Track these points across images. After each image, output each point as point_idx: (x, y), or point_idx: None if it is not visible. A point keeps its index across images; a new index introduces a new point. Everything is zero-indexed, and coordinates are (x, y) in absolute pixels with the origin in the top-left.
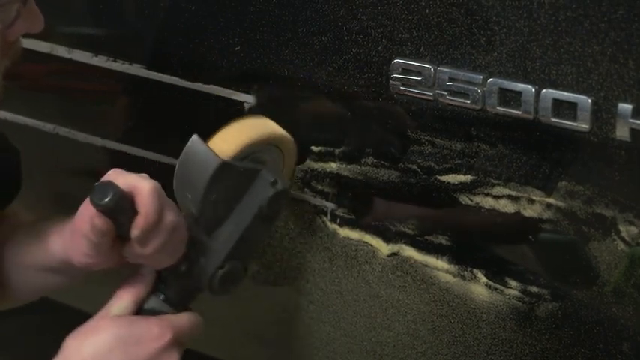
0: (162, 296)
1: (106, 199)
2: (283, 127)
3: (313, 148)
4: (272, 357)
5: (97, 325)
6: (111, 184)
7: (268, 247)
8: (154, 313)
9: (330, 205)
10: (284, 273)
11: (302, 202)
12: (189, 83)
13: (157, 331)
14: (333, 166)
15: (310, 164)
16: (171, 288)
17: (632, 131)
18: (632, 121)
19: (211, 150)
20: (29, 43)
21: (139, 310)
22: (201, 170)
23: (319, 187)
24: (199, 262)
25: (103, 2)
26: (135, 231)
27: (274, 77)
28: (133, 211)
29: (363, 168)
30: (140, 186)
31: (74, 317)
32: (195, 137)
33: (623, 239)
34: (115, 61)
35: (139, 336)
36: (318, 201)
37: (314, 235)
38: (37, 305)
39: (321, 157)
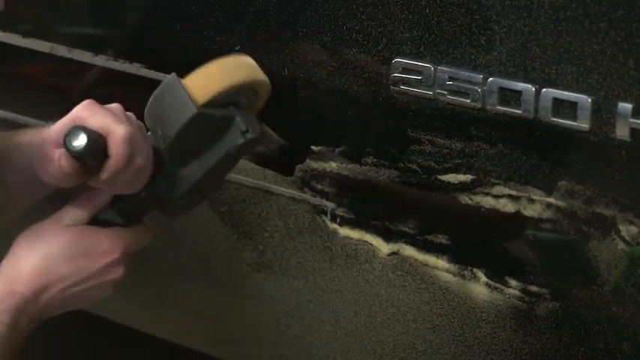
0: (117, 209)
1: (79, 147)
2: (285, 128)
3: (313, 147)
4: (272, 356)
5: (49, 231)
6: (85, 130)
7: (268, 246)
8: (107, 224)
9: (330, 205)
10: (284, 272)
11: (302, 201)
12: None
13: (106, 246)
14: (333, 166)
15: (310, 163)
16: (128, 205)
17: (632, 131)
18: (632, 120)
19: (188, 95)
20: (30, 43)
21: (93, 219)
22: (175, 113)
23: (319, 187)
24: (161, 189)
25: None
26: (104, 174)
27: (274, 77)
28: (104, 154)
29: (363, 167)
30: (114, 130)
31: (73, 317)
32: (174, 76)
33: (623, 239)
34: (116, 60)
35: (88, 249)
36: (318, 200)
37: (314, 235)
38: None
39: (321, 157)
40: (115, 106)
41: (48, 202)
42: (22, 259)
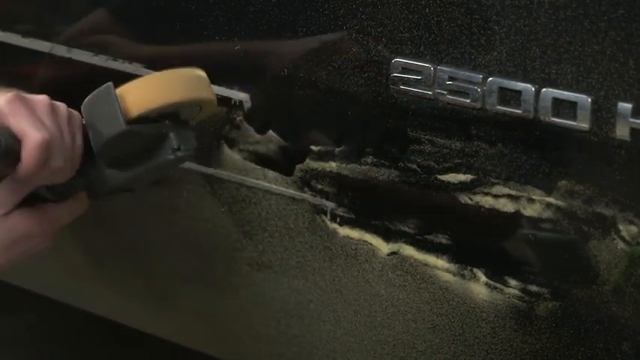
0: (46, 187)
1: None
2: (285, 128)
3: (313, 147)
4: (272, 356)
5: None
6: (2, 135)
7: (268, 245)
8: (37, 198)
9: (329, 205)
10: (284, 272)
11: (302, 201)
12: None
13: (38, 231)
14: (332, 166)
15: (310, 163)
16: (56, 186)
17: (632, 130)
18: (632, 120)
19: (120, 109)
20: (29, 43)
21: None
22: (104, 124)
23: (319, 187)
24: (88, 178)
25: None
26: (16, 175)
27: (273, 76)
28: (17, 155)
29: (362, 167)
30: (29, 136)
31: (72, 316)
32: (109, 86)
33: (623, 238)
34: (115, 60)
35: (21, 236)
36: (318, 200)
37: (314, 235)
38: (35, 305)
39: (321, 157)
40: (41, 100)
41: None
42: None
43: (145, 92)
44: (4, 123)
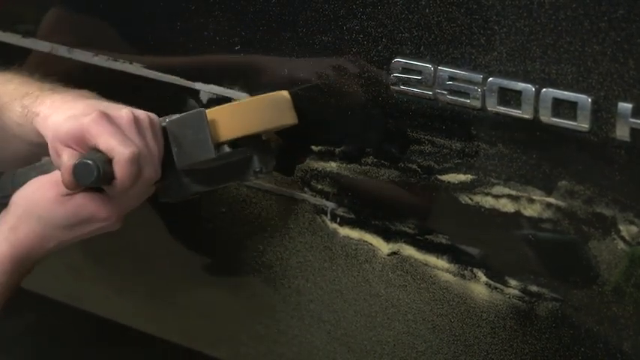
0: None
1: (87, 182)
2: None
3: (313, 147)
4: (272, 356)
5: (48, 198)
6: (95, 165)
7: (268, 246)
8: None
9: (330, 205)
10: (284, 272)
11: (302, 201)
12: (189, 82)
13: (104, 214)
14: (333, 166)
15: (310, 163)
16: None
17: (632, 131)
18: (632, 120)
19: (210, 135)
20: (30, 43)
21: None
22: (193, 147)
23: (319, 187)
24: (163, 182)
25: None
26: (111, 191)
27: (272, 76)
28: (111, 175)
29: (363, 167)
30: (118, 152)
31: (72, 317)
32: (201, 112)
33: (623, 239)
34: (116, 60)
35: (85, 219)
36: (318, 200)
37: (314, 235)
38: (35, 305)
39: (321, 157)
40: (124, 116)
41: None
42: (23, 223)
43: (235, 120)
44: (94, 144)
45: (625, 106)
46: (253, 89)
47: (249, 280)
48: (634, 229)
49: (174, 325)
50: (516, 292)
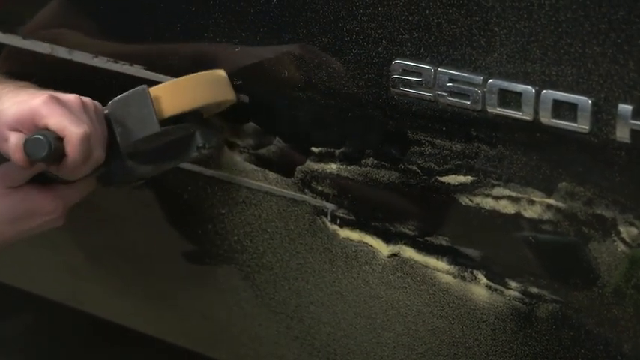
0: None
1: (40, 156)
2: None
3: (313, 148)
4: (272, 357)
5: None
6: (47, 140)
7: (268, 247)
8: (47, 179)
9: (330, 206)
10: (284, 274)
11: (302, 202)
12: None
13: (48, 207)
14: (333, 167)
15: (310, 165)
16: None
17: (632, 132)
18: (632, 122)
19: (154, 110)
20: (30, 44)
21: (36, 176)
22: (138, 124)
23: (319, 188)
24: (108, 168)
25: None
26: (61, 170)
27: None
28: (62, 153)
29: (363, 169)
30: (70, 132)
31: (71, 317)
32: (144, 88)
33: (623, 240)
34: (115, 62)
35: (30, 212)
36: (318, 202)
37: (314, 236)
38: (34, 305)
39: (321, 158)
40: (72, 98)
41: None
42: None
43: (178, 95)
44: (45, 124)
45: (625, 108)
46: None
47: (249, 281)
48: (634, 230)
49: (174, 326)
50: (516, 293)
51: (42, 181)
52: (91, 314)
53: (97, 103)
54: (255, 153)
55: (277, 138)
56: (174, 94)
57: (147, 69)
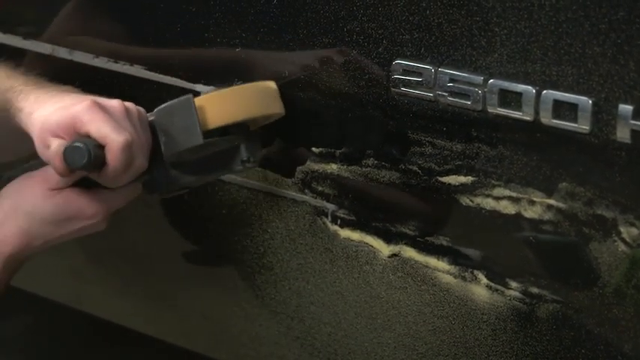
0: None
1: (79, 164)
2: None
3: (314, 149)
4: (273, 358)
5: (35, 192)
6: (87, 147)
7: (269, 248)
8: (91, 184)
9: (330, 207)
10: (285, 274)
11: (302, 203)
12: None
13: (90, 211)
14: (333, 168)
15: (311, 165)
16: None
17: (633, 132)
18: (632, 122)
19: (199, 122)
20: (31, 45)
21: (80, 179)
22: (182, 134)
23: (320, 189)
24: (152, 175)
25: None
26: (102, 178)
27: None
28: (103, 160)
29: (363, 169)
30: (112, 140)
31: (70, 317)
32: (189, 98)
33: (624, 240)
34: (116, 62)
35: (73, 214)
36: (319, 202)
37: (314, 237)
38: (34, 306)
39: (322, 159)
40: (115, 105)
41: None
42: (9, 219)
43: (223, 107)
44: (86, 131)
45: (625, 108)
46: None
47: (249, 281)
48: (635, 231)
49: (175, 327)
50: (517, 293)
51: (86, 185)
52: (90, 314)
53: (141, 109)
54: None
55: (278, 138)
56: (220, 106)
57: (147, 69)
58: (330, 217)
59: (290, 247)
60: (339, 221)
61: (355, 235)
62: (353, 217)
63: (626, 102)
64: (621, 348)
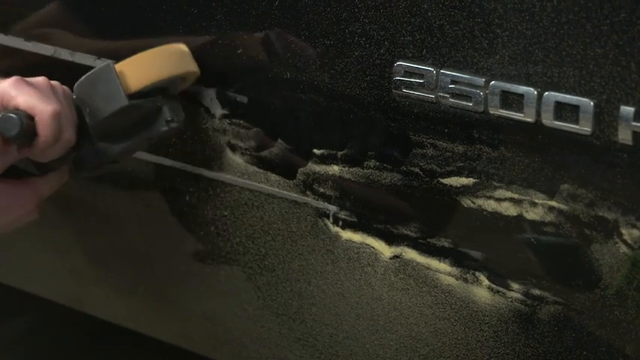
0: (31, 160)
1: (12, 133)
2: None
3: (315, 150)
4: (274, 359)
5: None
6: (18, 116)
7: (270, 249)
8: (20, 173)
9: (332, 208)
10: (286, 275)
11: (304, 204)
12: None
13: (22, 200)
14: (335, 169)
15: (312, 167)
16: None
17: (635, 134)
18: (634, 124)
19: (121, 85)
20: (33, 46)
21: (9, 169)
22: (105, 100)
23: (321, 190)
24: (79, 153)
25: None
26: (33, 150)
27: (275, 79)
28: (33, 133)
29: (365, 171)
30: (41, 110)
31: (73, 319)
32: (109, 64)
33: (625, 242)
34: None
35: (5, 207)
36: (321, 204)
37: (316, 238)
38: (36, 307)
39: (324, 160)
40: (40, 80)
41: None
42: None
43: (142, 69)
44: (15, 105)
45: (627, 110)
46: None
47: (251, 283)
48: (636, 232)
49: (177, 328)
50: (519, 295)
51: (15, 175)
52: (91, 315)
53: (65, 87)
54: (257, 155)
55: (279, 140)
56: (139, 68)
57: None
58: (331, 219)
59: (291, 248)
60: (340, 223)
61: (357, 237)
62: (354, 219)
63: (627, 103)
64: (623, 350)
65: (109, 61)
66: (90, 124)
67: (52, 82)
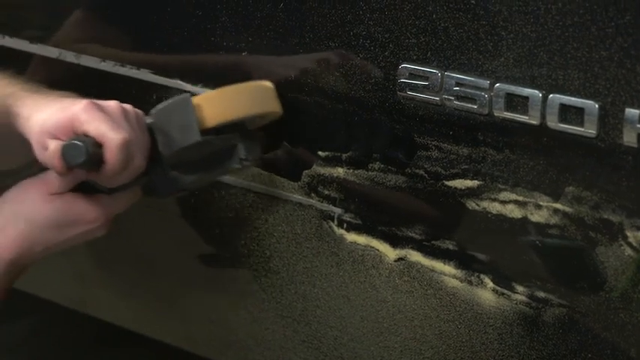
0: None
1: (77, 162)
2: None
3: (320, 152)
4: None
5: (35, 197)
6: (85, 145)
7: (275, 251)
8: (90, 190)
9: (337, 210)
10: (291, 278)
11: (309, 207)
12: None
13: (90, 216)
14: (340, 171)
15: (317, 169)
16: None
17: None
18: (639, 126)
19: (197, 120)
20: (36, 48)
21: (80, 183)
22: (180, 133)
23: (326, 192)
24: (151, 177)
25: None
26: (100, 178)
27: (281, 82)
28: (101, 159)
29: (370, 173)
30: (110, 138)
31: (76, 321)
32: (187, 97)
33: (630, 245)
34: (123, 65)
35: (73, 220)
36: (325, 206)
37: (321, 240)
38: (39, 309)
39: (328, 162)
40: (112, 105)
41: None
42: (9, 224)
43: (220, 105)
44: (84, 130)
45: (632, 112)
46: None
47: (256, 285)
48: None
49: (181, 331)
50: (523, 298)
51: (86, 190)
52: (95, 317)
53: (138, 111)
54: (262, 157)
55: (284, 142)
56: (217, 104)
57: (154, 73)
58: (336, 221)
59: (296, 250)
60: (345, 225)
61: (361, 239)
62: (359, 221)
63: (632, 106)
64: (628, 352)
65: (188, 94)
66: (162, 152)
67: (125, 105)
